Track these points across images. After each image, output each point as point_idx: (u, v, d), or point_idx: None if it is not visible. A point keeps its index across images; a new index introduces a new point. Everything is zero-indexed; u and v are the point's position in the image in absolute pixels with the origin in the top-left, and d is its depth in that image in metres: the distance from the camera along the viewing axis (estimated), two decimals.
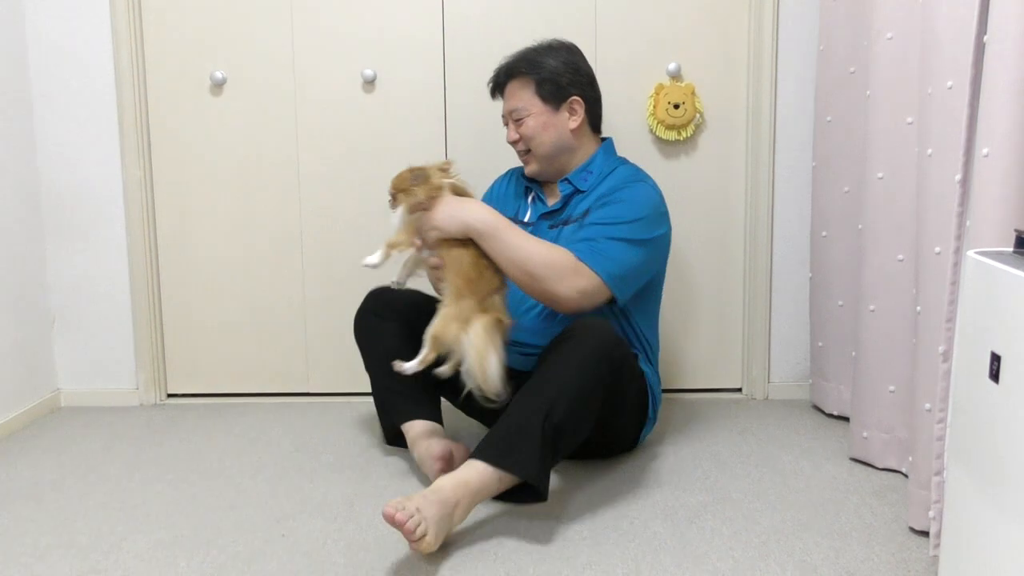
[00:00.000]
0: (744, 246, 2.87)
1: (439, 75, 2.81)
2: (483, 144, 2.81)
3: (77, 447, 2.52)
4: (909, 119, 2.09)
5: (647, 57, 2.79)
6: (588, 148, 2.34)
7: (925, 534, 1.85)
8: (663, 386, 2.88)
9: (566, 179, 2.31)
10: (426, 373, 2.05)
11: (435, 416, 2.27)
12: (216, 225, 2.91)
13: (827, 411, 2.68)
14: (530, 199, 2.39)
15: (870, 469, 2.26)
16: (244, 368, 2.97)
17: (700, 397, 2.91)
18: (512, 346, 2.14)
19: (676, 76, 2.78)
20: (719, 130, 2.82)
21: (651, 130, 2.80)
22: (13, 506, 2.12)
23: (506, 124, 2.36)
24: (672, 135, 2.78)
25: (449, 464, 2.06)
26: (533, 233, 2.26)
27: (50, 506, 2.11)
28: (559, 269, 2.05)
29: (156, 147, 2.87)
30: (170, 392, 2.98)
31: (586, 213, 2.24)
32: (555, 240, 2.22)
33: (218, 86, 2.83)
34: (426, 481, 2.09)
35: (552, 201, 2.36)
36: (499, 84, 2.37)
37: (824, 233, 2.60)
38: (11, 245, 2.70)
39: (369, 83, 2.81)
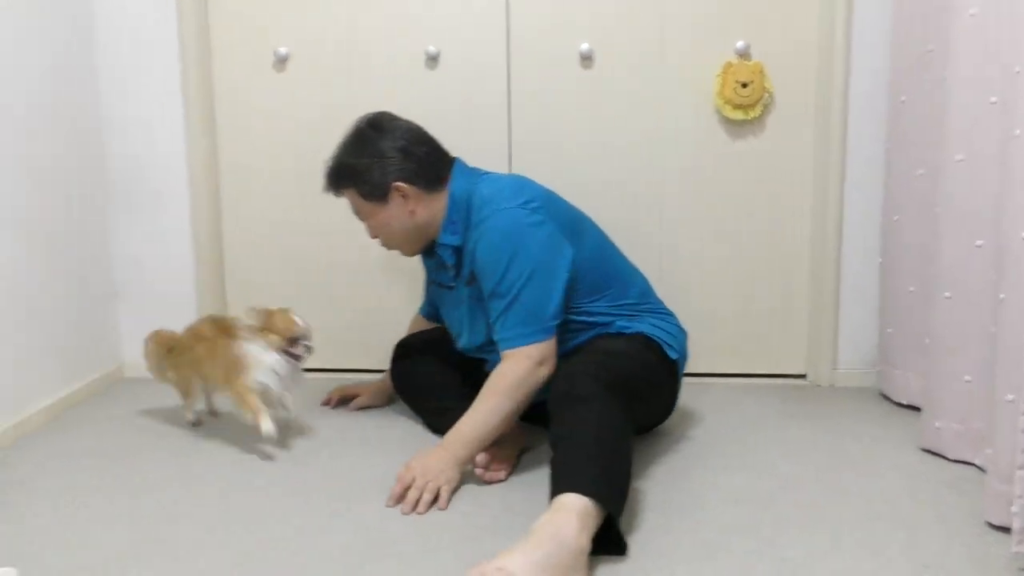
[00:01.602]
0: (811, 228, 2.81)
1: (503, 51, 2.78)
2: (546, 122, 2.78)
3: (140, 419, 2.55)
4: (993, 99, 2.02)
5: (715, 35, 2.73)
6: (438, 205, 2.19)
7: (1004, 529, 1.80)
8: (722, 370, 2.85)
9: (440, 243, 2.21)
10: (465, 383, 2.29)
11: None
12: (278, 200, 2.92)
13: (895, 399, 2.62)
14: (446, 263, 2.27)
15: (942, 460, 2.20)
16: None
17: (763, 382, 2.86)
18: None
19: (744, 55, 2.72)
20: (788, 110, 2.76)
21: (718, 110, 2.74)
22: (79, 475, 2.14)
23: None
24: (739, 115, 2.72)
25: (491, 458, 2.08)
26: (457, 295, 2.27)
27: (115, 475, 2.14)
28: (517, 387, 2.04)
29: (220, 122, 2.89)
30: None
31: (471, 278, 2.17)
32: (471, 297, 2.20)
33: (281, 62, 2.83)
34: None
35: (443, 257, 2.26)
36: (331, 192, 2.28)
37: (896, 217, 2.53)
38: (76, 218, 2.73)
39: (432, 59, 2.79)
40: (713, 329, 2.85)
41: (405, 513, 1.92)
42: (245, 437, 2.37)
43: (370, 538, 1.80)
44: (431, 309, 2.60)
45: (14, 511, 1.94)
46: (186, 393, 2.46)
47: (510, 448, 2.15)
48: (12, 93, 2.41)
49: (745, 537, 1.79)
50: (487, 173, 2.26)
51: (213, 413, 2.57)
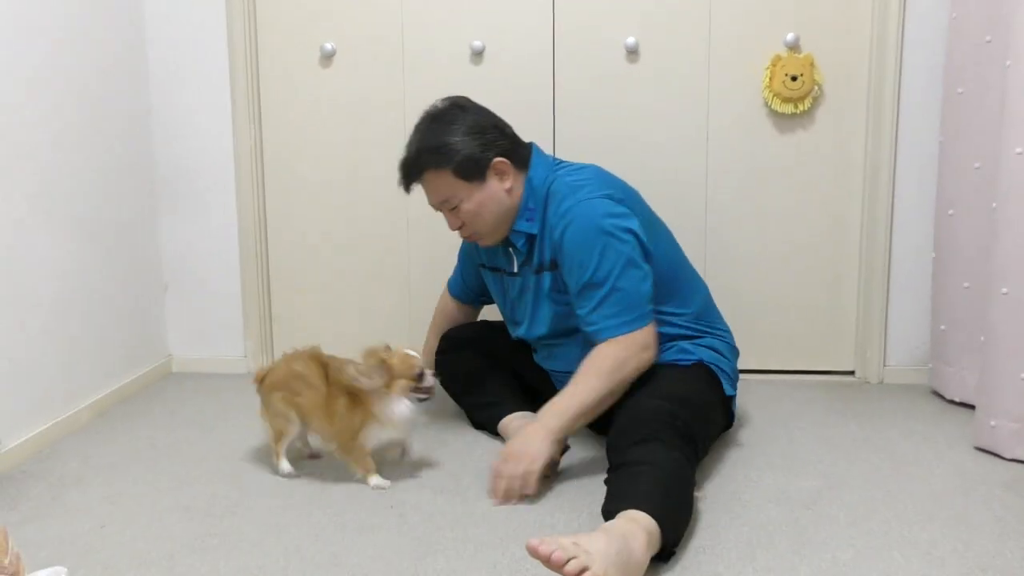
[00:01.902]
0: (861, 223, 2.76)
1: (548, 47, 2.77)
2: (591, 117, 2.77)
3: (190, 412, 2.58)
4: None
5: (764, 27, 2.69)
6: (522, 188, 2.15)
7: None
8: (769, 367, 2.81)
9: (514, 231, 2.16)
10: (512, 377, 2.33)
11: (523, 407, 2.27)
12: (324, 196, 2.93)
13: (948, 397, 2.57)
14: (510, 249, 2.24)
15: (997, 459, 2.15)
16: (350, 337, 2.98)
17: (810, 379, 2.82)
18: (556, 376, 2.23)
19: (794, 47, 2.67)
20: (838, 103, 2.71)
21: (766, 103, 2.70)
22: (131, 469, 2.17)
23: (438, 210, 2.20)
24: (789, 108, 2.68)
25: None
26: (522, 283, 2.23)
27: (166, 470, 2.16)
28: (618, 369, 2.01)
29: (267, 117, 2.91)
30: None
31: (554, 263, 2.11)
32: (540, 285, 2.16)
33: (328, 57, 2.85)
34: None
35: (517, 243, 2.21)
36: (410, 180, 2.16)
37: (951, 211, 2.47)
38: (125, 213, 2.77)
39: (477, 55, 2.79)
40: (761, 325, 2.81)
41: (496, 506, 1.92)
42: None
43: (417, 533, 1.80)
44: (465, 289, 2.54)
45: (66, 507, 1.97)
46: (279, 436, 2.12)
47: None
48: (64, 92, 2.45)
49: (789, 536, 1.76)
50: (565, 162, 2.24)
51: (313, 456, 2.23)
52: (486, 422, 2.36)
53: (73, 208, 2.49)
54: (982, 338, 2.22)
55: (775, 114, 2.72)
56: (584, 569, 1.45)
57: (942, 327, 2.56)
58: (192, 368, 3.00)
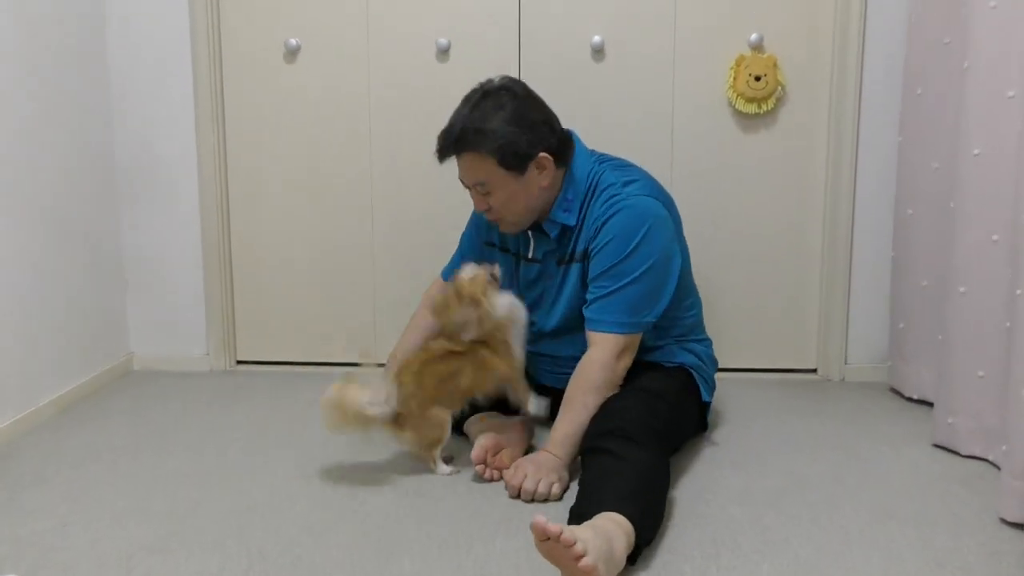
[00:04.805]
0: (823, 223, 2.79)
1: (514, 44, 2.77)
2: (557, 113, 2.76)
3: (150, 411, 2.55)
4: (1011, 92, 2.00)
5: (728, 27, 2.71)
6: (560, 181, 2.13)
7: (1019, 526, 1.78)
8: (732, 365, 2.83)
9: (550, 220, 2.14)
10: None
11: (493, 407, 2.25)
12: (288, 194, 2.91)
13: (906, 394, 2.60)
14: (529, 234, 2.23)
15: (955, 456, 2.18)
16: (313, 337, 2.98)
17: (773, 377, 2.85)
18: (541, 360, 2.24)
19: (758, 47, 2.70)
20: (801, 103, 2.74)
21: (730, 103, 2.72)
22: (89, 469, 2.14)
23: (467, 188, 2.15)
24: (752, 108, 2.70)
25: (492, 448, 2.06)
26: (541, 271, 2.22)
27: (125, 470, 2.13)
28: (605, 384, 2.03)
29: (230, 115, 2.88)
30: (239, 359, 3.01)
31: (586, 254, 2.11)
32: (565, 278, 2.16)
33: (292, 54, 2.82)
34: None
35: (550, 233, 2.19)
36: (446, 154, 2.11)
37: (910, 211, 2.51)
38: (87, 210, 2.73)
39: (443, 52, 2.78)
40: (724, 323, 2.82)
41: (526, 501, 1.93)
42: (253, 430, 2.37)
43: (383, 534, 1.79)
44: None
45: (24, 507, 1.94)
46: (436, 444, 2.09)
47: (516, 448, 2.13)
48: (23, 87, 2.40)
49: (753, 535, 1.77)
50: (606, 155, 2.23)
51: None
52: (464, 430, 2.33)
53: (33, 204, 2.45)
54: (940, 336, 2.25)
55: (739, 114, 2.74)
56: (585, 554, 1.46)
57: (901, 325, 2.60)
58: (153, 366, 2.97)
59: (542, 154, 2.06)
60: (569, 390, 2.05)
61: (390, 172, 2.86)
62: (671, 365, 2.19)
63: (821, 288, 2.82)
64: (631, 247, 2.04)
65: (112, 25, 2.80)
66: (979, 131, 2.07)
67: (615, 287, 2.05)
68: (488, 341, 2.06)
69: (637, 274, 2.04)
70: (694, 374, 2.20)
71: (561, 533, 1.45)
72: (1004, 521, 1.81)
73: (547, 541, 1.48)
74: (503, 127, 2.02)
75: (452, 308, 2.05)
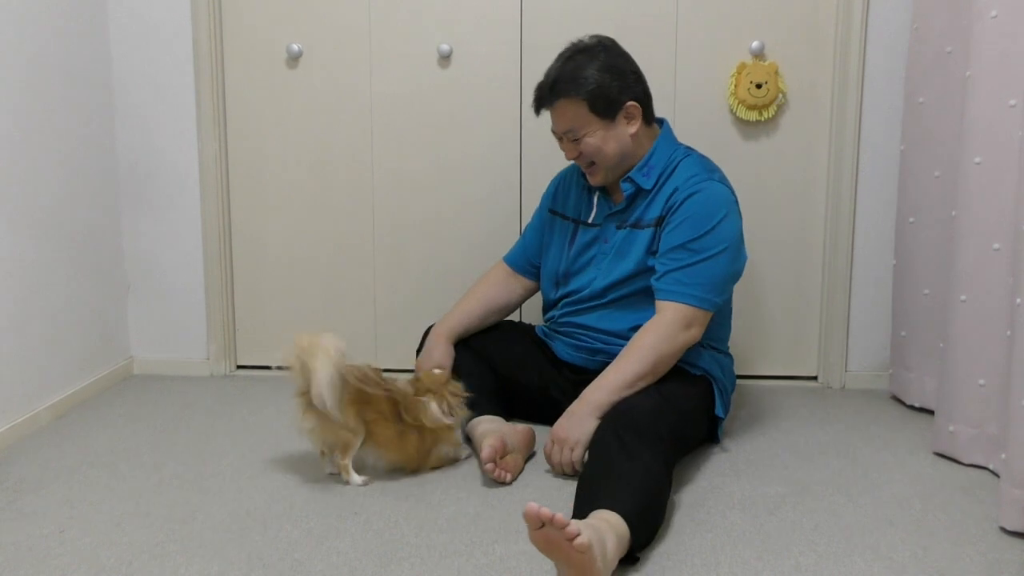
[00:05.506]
0: (824, 230, 2.79)
1: (515, 50, 2.77)
2: None
3: (150, 415, 2.55)
4: (1012, 101, 2.00)
5: (729, 35, 2.71)
6: (646, 142, 2.25)
7: (1019, 535, 1.78)
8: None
9: (628, 178, 2.22)
10: (496, 380, 2.34)
11: (496, 411, 2.26)
12: (289, 198, 2.91)
13: (908, 402, 2.60)
14: (595, 198, 2.31)
15: (956, 464, 2.18)
16: None
17: (774, 384, 2.84)
18: (575, 332, 2.28)
19: (759, 55, 2.70)
20: (802, 111, 2.74)
21: (731, 110, 2.72)
22: (89, 473, 2.14)
23: (559, 139, 2.25)
24: (753, 115, 2.71)
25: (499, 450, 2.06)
26: (600, 234, 2.27)
27: (126, 475, 2.13)
28: (661, 343, 2.08)
29: (232, 120, 2.88)
30: (240, 363, 3.00)
31: (660, 221, 2.17)
32: (623, 242, 2.21)
33: (294, 59, 2.82)
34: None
35: (616, 199, 2.28)
36: (542, 104, 2.23)
37: (911, 219, 2.51)
38: (88, 215, 2.73)
39: (445, 58, 2.78)
40: None
41: (557, 476, 2.07)
42: (253, 435, 2.37)
43: (382, 540, 1.79)
44: (523, 255, 2.49)
45: (23, 512, 1.93)
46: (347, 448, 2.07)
47: (519, 453, 2.13)
48: (25, 91, 2.41)
49: (753, 542, 1.77)
50: (696, 150, 2.30)
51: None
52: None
53: (34, 208, 2.45)
54: (941, 345, 2.25)
55: (740, 121, 2.74)
56: (580, 533, 1.47)
57: (902, 333, 2.59)
58: (154, 370, 2.96)
59: (630, 103, 2.17)
60: (629, 344, 2.10)
61: (391, 178, 2.86)
62: (694, 372, 2.20)
63: (822, 295, 2.82)
64: (711, 226, 2.12)
65: (114, 32, 2.80)
66: (981, 140, 2.07)
67: (692, 261, 2.11)
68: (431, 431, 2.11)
69: (714, 252, 2.11)
70: (714, 386, 2.22)
71: (554, 516, 1.47)
72: (1004, 530, 1.81)
73: (541, 528, 1.49)
74: (595, 74, 2.14)
75: (442, 395, 2.13)
